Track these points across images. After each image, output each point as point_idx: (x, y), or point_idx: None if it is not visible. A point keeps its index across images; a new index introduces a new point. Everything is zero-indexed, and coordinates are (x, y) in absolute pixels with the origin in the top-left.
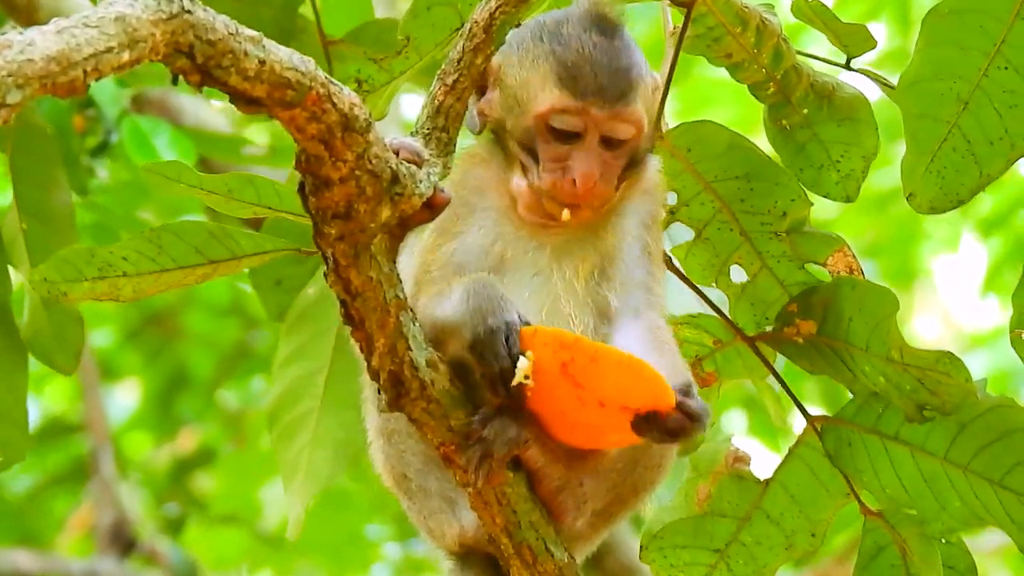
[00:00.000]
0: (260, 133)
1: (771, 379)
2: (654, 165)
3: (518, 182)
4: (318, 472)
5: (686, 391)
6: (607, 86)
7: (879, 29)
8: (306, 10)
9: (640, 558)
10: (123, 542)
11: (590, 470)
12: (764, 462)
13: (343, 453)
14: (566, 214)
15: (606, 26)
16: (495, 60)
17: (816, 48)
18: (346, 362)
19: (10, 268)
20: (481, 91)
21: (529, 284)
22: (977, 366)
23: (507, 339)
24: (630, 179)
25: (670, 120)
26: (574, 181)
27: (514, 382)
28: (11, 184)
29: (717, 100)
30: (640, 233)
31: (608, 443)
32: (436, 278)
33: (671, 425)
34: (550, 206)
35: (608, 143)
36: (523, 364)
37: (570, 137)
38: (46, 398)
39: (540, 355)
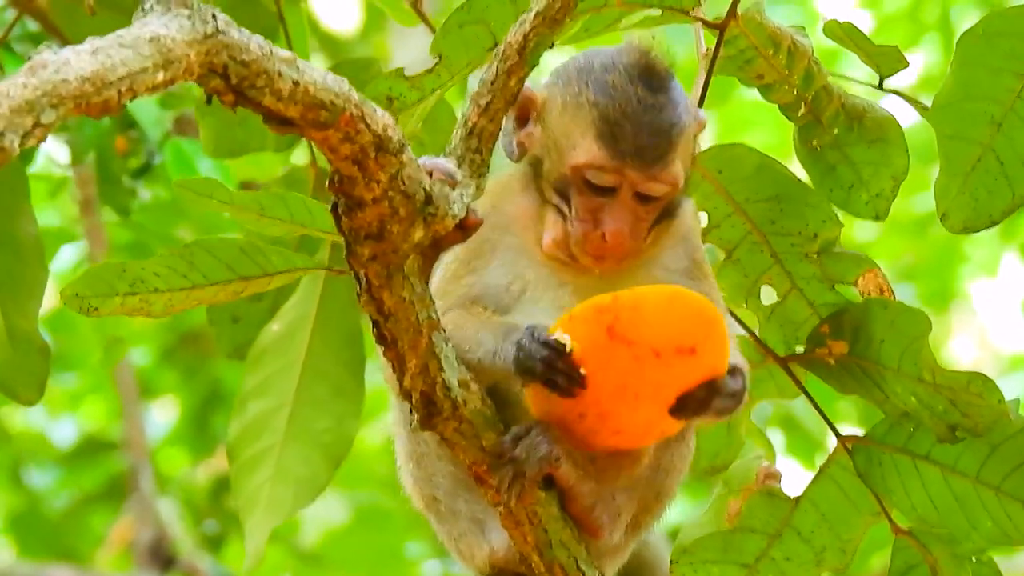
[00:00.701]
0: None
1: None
2: (688, 210)
3: (553, 219)
4: (278, 507)
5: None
6: (646, 147)
7: (920, 55)
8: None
9: (670, 572)
10: (162, 558)
11: (621, 482)
12: (796, 480)
13: (304, 489)
14: (591, 263)
15: (653, 80)
16: (540, 93)
17: (855, 72)
18: (310, 398)
19: None
20: (521, 119)
21: (549, 321)
22: (1015, 388)
23: (535, 334)
24: (661, 227)
25: (706, 141)
26: (604, 235)
27: (556, 339)
28: None
29: (756, 123)
30: (684, 283)
31: (660, 428)
32: (452, 306)
33: (701, 397)
34: (577, 252)
35: (642, 199)
36: (563, 338)
37: (604, 191)
38: (83, 416)
39: (583, 331)
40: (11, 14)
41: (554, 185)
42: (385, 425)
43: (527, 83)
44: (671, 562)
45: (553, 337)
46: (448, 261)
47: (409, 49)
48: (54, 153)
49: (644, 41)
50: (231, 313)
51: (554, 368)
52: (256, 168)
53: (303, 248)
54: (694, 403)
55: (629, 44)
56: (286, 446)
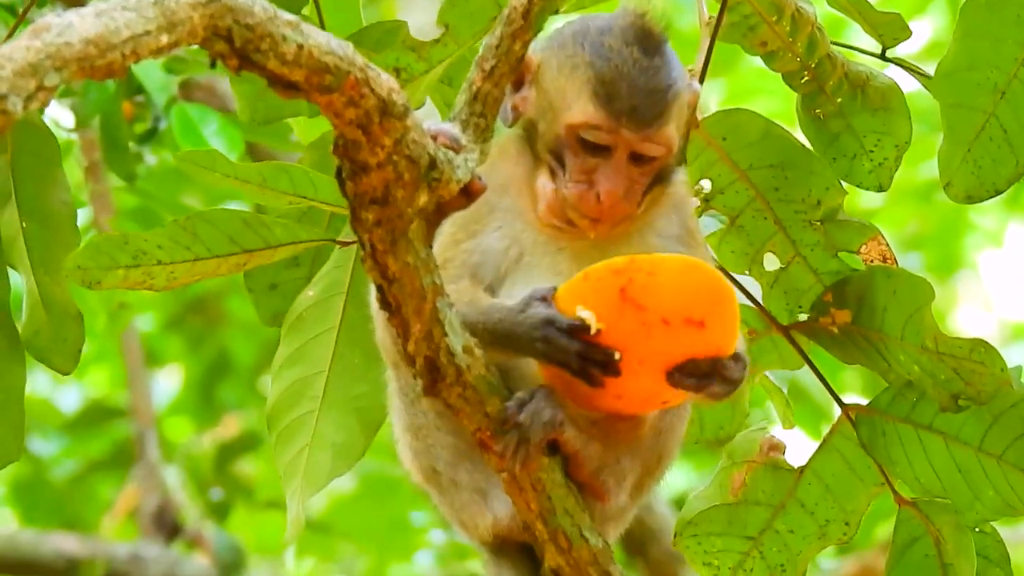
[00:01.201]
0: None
1: (804, 370)
2: (681, 178)
3: (544, 183)
4: (317, 475)
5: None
6: (641, 108)
7: (926, 23)
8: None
9: (673, 544)
10: (168, 526)
11: (624, 445)
12: (801, 450)
13: (341, 456)
14: (587, 225)
15: (648, 42)
16: (535, 57)
17: (857, 40)
18: (346, 365)
19: (9, 268)
20: (518, 84)
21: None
22: (1021, 357)
23: (557, 324)
24: (654, 194)
25: (711, 108)
26: (598, 195)
27: (585, 320)
28: (11, 183)
29: (762, 91)
30: (678, 249)
31: (661, 397)
32: (453, 276)
33: (704, 370)
34: (572, 215)
35: (637, 159)
36: (586, 316)
37: (599, 150)
38: (87, 383)
39: (595, 291)
40: None
41: (549, 147)
42: None
43: None
44: (675, 535)
45: (576, 322)
46: (447, 225)
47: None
48: (59, 118)
49: (640, 5)
50: (269, 280)
51: (589, 360)
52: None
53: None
54: (696, 373)
55: (625, 8)
56: (323, 413)
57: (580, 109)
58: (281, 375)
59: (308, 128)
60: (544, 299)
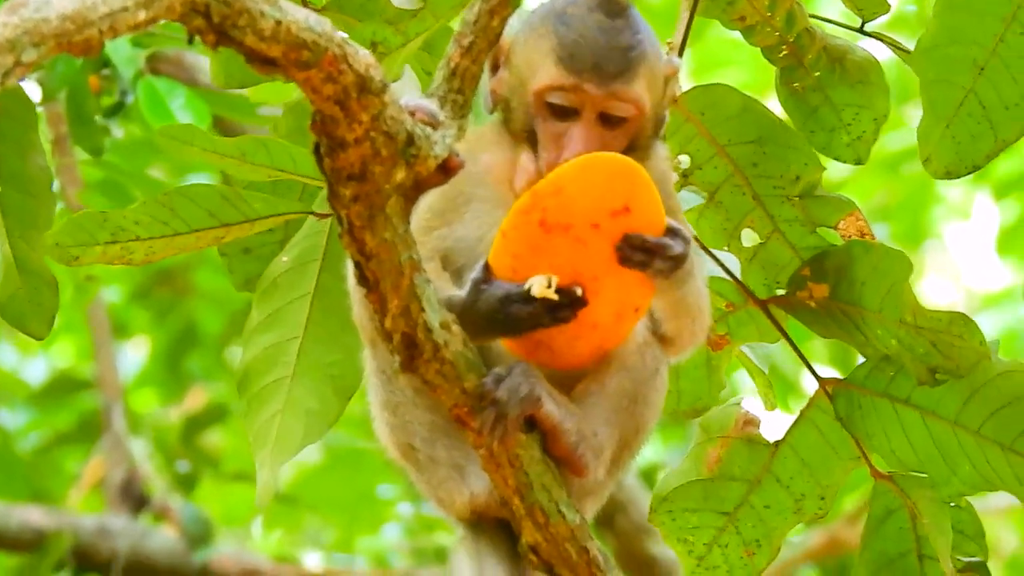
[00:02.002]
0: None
1: (780, 344)
2: (662, 154)
3: (525, 160)
4: (289, 441)
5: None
6: (603, 64)
7: None
8: None
9: (649, 520)
10: (134, 498)
11: (597, 412)
12: (775, 425)
13: (314, 423)
14: None
15: (611, 7)
16: (506, 39)
17: (831, 13)
18: (320, 332)
19: None
20: (494, 68)
21: None
22: (986, 327)
23: (485, 279)
24: None
25: (684, 83)
26: (572, 154)
27: (540, 294)
28: None
29: (730, 62)
30: None
31: (630, 303)
32: (423, 258)
33: (649, 245)
34: None
35: (606, 121)
36: (537, 281)
37: (567, 114)
38: (53, 355)
39: (519, 240)
40: None
41: (522, 124)
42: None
43: None
44: (650, 511)
45: (526, 287)
46: (422, 211)
47: None
48: (26, 91)
49: None
50: (242, 245)
51: (556, 309)
52: (227, 106)
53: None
54: (640, 246)
55: None
56: (296, 379)
57: (545, 73)
58: (253, 340)
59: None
60: (487, 280)
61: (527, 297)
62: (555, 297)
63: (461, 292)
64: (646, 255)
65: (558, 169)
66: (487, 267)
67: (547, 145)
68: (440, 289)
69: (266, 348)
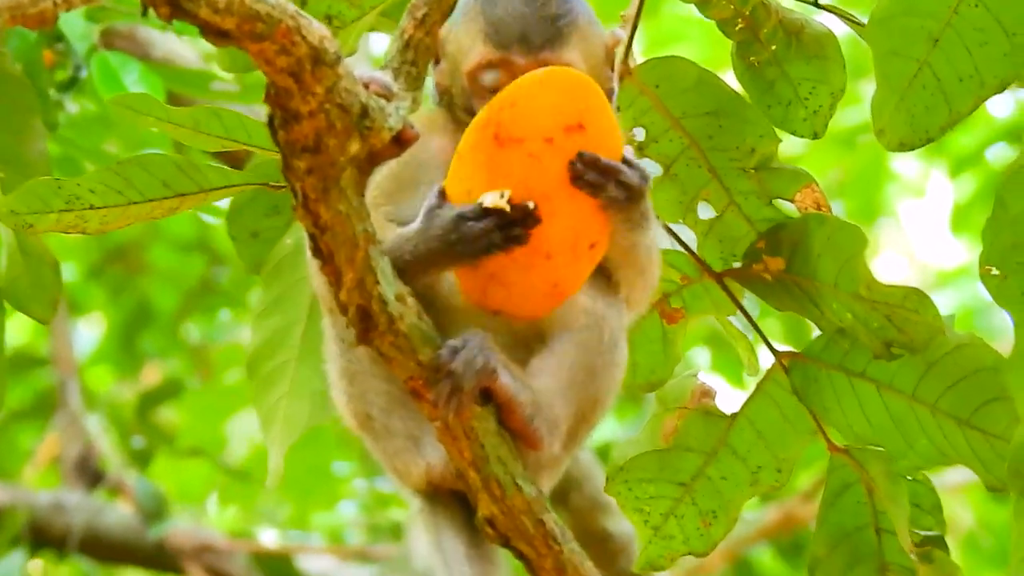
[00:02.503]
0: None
1: (737, 316)
2: None
3: None
4: (295, 421)
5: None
6: (529, 34)
7: None
8: None
9: (605, 490)
10: (90, 474)
11: (553, 385)
12: (730, 399)
13: (320, 403)
14: None
15: None
16: (443, 30)
17: None
18: (322, 313)
19: None
20: (437, 60)
21: None
22: (942, 304)
23: (439, 204)
24: None
25: (638, 57)
26: None
27: (492, 204)
28: None
29: (685, 37)
30: None
31: (585, 231)
32: None
33: (603, 165)
34: None
35: None
36: (490, 194)
37: (500, 87)
38: (8, 333)
39: (475, 155)
40: None
41: (463, 106)
42: None
43: None
44: (607, 479)
45: (479, 202)
46: (371, 189)
47: None
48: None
49: None
50: (250, 228)
51: (509, 226)
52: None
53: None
54: (593, 166)
55: None
56: (301, 361)
57: (474, 53)
58: (260, 323)
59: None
60: (440, 205)
61: (479, 214)
62: (507, 208)
63: (413, 224)
64: (599, 176)
65: (515, 83)
66: (442, 192)
67: None
68: (387, 235)
69: (273, 331)
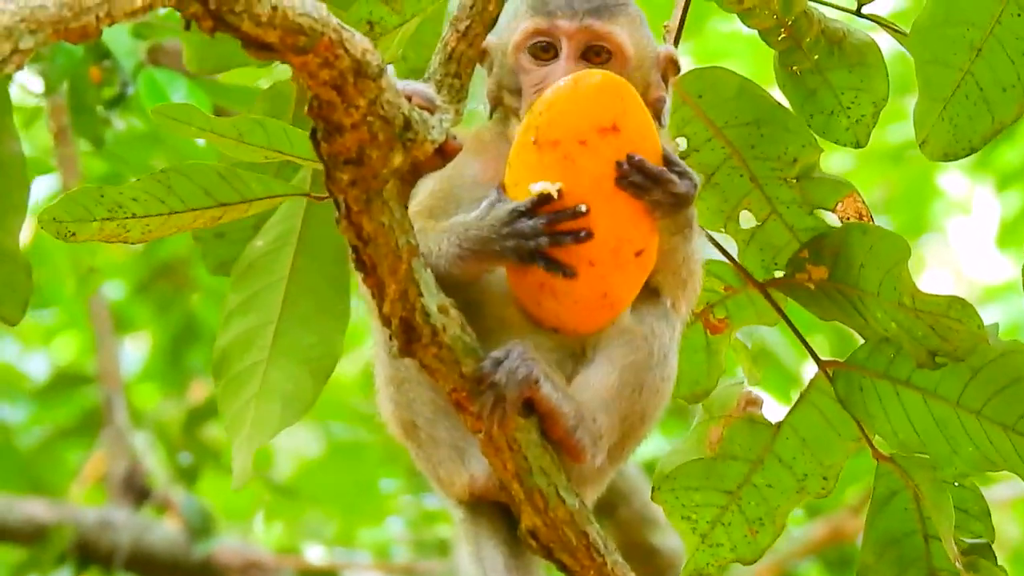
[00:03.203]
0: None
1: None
2: (663, 136)
3: (516, 128)
4: (265, 425)
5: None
6: (576, 1)
7: None
8: None
9: (652, 499)
10: (136, 491)
11: (598, 397)
12: (776, 410)
13: (291, 406)
14: None
15: None
16: (491, 41)
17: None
18: (295, 315)
19: None
20: (489, 71)
21: None
22: (988, 319)
23: (499, 198)
24: None
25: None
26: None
27: (540, 190)
28: None
29: (730, 53)
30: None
31: (628, 235)
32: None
33: (648, 169)
34: None
35: (587, 60)
36: (537, 187)
37: (547, 59)
38: (56, 351)
39: (519, 163)
40: None
41: (509, 87)
42: (361, 356)
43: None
44: (653, 489)
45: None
46: (412, 206)
47: None
48: (28, 83)
49: None
50: (215, 229)
51: (558, 224)
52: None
53: (281, 173)
54: (641, 169)
55: None
56: (272, 363)
57: (521, 26)
58: (230, 324)
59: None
60: (500, 199)
61: (532, 207)
62: (555, 194)
63: (472, 212)
64: (645, 179)
65: (552, 87)
66: (501, 187)
67: (531, 92)
68: (440, 224)
69: (242, 332)
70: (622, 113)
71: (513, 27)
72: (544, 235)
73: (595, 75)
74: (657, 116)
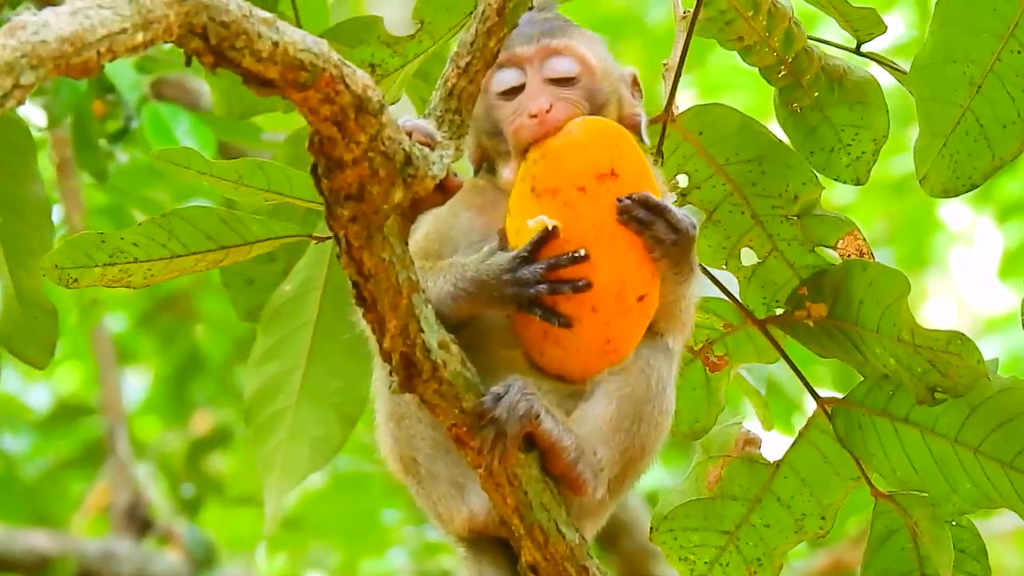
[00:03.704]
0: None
1: (779, 365)
2: (658, 175)
3: (506, 174)
4: (294, 469)
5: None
6: (532, 30)
7: (896, 19)
8: (285, 6)
9: (650, 539)
10: (139, 522)
11: (598, 431)
12: (773, 445)
13: (319, 450)
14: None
15: (540, 4)
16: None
17: (831, 35)
18: (322, 360)
19: None
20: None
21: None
22: (991, 351)
23: (501, 246)
24: None
25: (682, 105)
26: (527, 115)
27: (534, 225)
28: None
29: (732, 86)
30: None
31: (631, 280)
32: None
33: (652, 203)
34: (513, 144)
35: (555, 82)
36: (532, 222)
37: (516, 90)
38: (59, 382)
39: (517, 210)
40: None
41: (489, 131)
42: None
43: None
44: (651, 529)
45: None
46: (411, 247)
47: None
48: (31, 116)
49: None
50: (245, 276)
51: (558, 270)
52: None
53: (307, 219)
54: (643, 204)
55: None
56: (300, 407)
57: (491, 73)
58: (258, 370)
59: (282, 122)
60: (503, 247)
61: (532, 250)
62: (549, 227)
63: (474, 256)
64: (648, 213)
65: (557, 135)
66: (502, 235)
67: (508, 124)
68: (442, 264)
69: (270, 377)
70: (619, 157)
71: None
72: (544, 282)
73: (589, 121)
74: (636, 131)
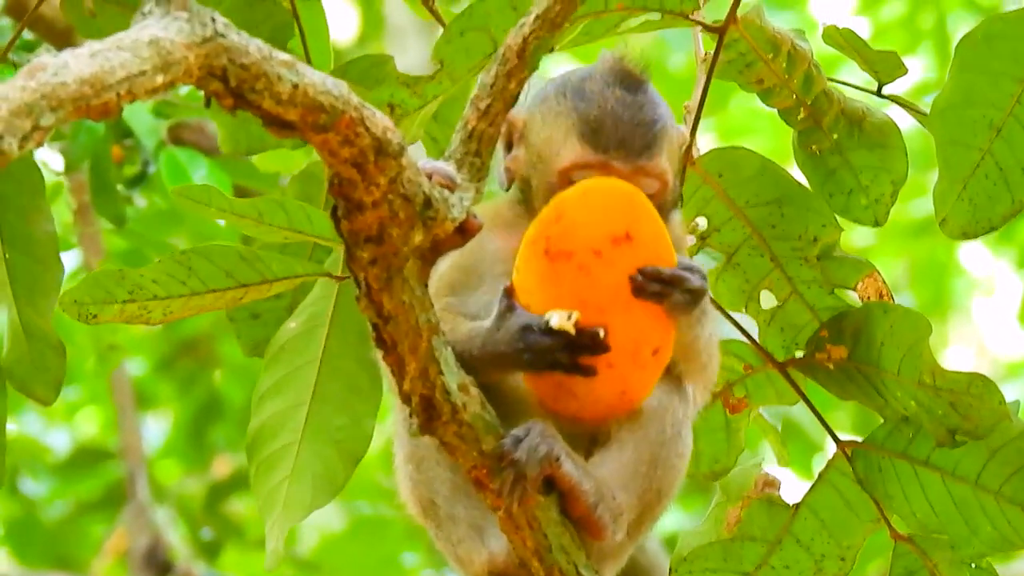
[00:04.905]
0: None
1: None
2: (676, 220)
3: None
4: (297, 505)
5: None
6: (629, 139)
7: (917, 62)
8: (295, 44)
9: None
10: (158, 566)
11: (616, 474)
12: (794, 489)
13: (321, 488)
14: None
15: (630, 82)
16: (520, 116)
17: (852, 77)
18: (327, 397)
19: None
20: (508, 146)
21: None
22: (1011, 395)
23: (509, 307)
24: None
25: (704, 149)
26: None
27: (559, 326)
28: None
29: (753, 130)
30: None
31: (645, 340)
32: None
33: (666, 277)
34: None
35: None
36: (557, 314)
37: None
38: (79, 426)
39: (528, 271)
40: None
41: (544, 198)
42: (383, 433)
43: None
44: (670, 571)
45: (548, 321)
46: (434, 280)
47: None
48: (49, 161)
49: (619, 49)
50: (251, 310)
51: (577, 347)
52: (249, 175)
53: (314, 255)
54: (657, 277)
55: (603, 54)
56: (304, 445)
57: (569, 151)
58: (262, 406)
59: (288, 161)
60: (511, 309)
61: (547, 329)
62: (572, 331)
63: (485, 322)
64: (662, 286)
65: (559, 196)
66: (510, 292)
67: None
68: (458, 327)
69: (274, 414)
70: (635, 221)
71: (557, 144)
72: (563, 359)
73: (604, 183)
74: (675, 204)
